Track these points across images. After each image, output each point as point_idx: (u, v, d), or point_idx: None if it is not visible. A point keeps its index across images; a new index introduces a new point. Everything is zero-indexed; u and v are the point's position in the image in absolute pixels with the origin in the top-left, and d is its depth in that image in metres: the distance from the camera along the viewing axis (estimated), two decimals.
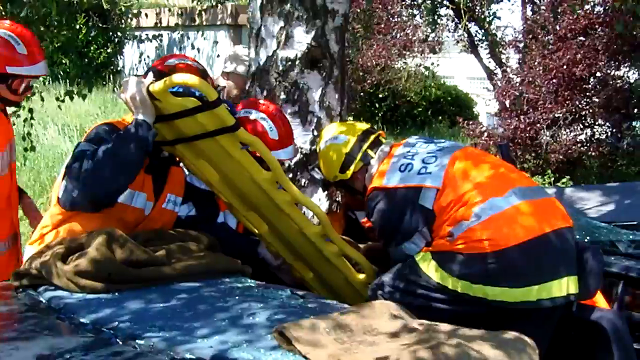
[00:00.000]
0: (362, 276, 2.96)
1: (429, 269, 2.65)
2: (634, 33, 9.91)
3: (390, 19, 14.03)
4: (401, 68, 15.18)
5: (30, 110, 6.11)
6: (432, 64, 15.17)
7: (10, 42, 3.30)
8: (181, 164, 2.95)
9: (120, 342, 1.90)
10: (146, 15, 10.83)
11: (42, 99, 6.48)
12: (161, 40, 10.87)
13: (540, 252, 2.56)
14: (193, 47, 8.72)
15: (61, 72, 13.02)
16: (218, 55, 12.94)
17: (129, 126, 2.55)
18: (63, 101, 6.54)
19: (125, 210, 2.66)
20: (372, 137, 3.03)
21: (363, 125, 3.12)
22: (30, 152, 6.50)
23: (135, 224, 2.67)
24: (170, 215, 2.86)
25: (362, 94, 14.85)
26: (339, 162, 3.01)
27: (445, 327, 2.07)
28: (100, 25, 12.87)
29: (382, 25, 14.09)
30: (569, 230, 2.67)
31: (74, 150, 2.64)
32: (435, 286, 2.63)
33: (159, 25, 11.87)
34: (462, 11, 11.07)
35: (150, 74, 2.75)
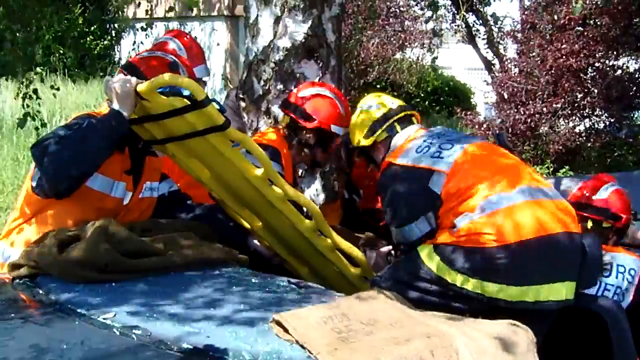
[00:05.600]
0: (356, 269, 2.95)
1: (430, 261, 2.63)
2: (635, 20, 9.91)
3: (390, 10, 13.97)
4: (401, 59, 15.13)
5: (35, 91, 6.10)
6: (436, 56, 15.12)
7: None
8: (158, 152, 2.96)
9: (118, 333, 1.89)
10: (139, 4, 10.79)
11: (55, 88, 6.46)
12: (149, 30, 10.84)
13: (544, 252, 2.53)
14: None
15: (57, 62, 12.97)
16: (218, 44, 12.92)
17: (103, 115, 2.56)
18: (58, 89, 6.53)
19: (104, 200, 2.64)
20: (404, 113, 3.04)
21: (400, 101, 3.15)
22: (42, 128, 6.48)
23: (114, 213, 2.64)
24: (149, 201, 2.86)
25: (361, 82, 14.81)
26: (364, 127, 3.04)
27: (442, 316, 2.07)
28: (98, 16, 12.83)
29: (382, 17, 14.04)
30: (577, 236, 2.62)
31: None
32: (434, 279, 2.61)
33: (155, 15, 11.81)
34: (460, 1, 11.03)
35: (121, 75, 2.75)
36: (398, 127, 3.00)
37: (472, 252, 2.55)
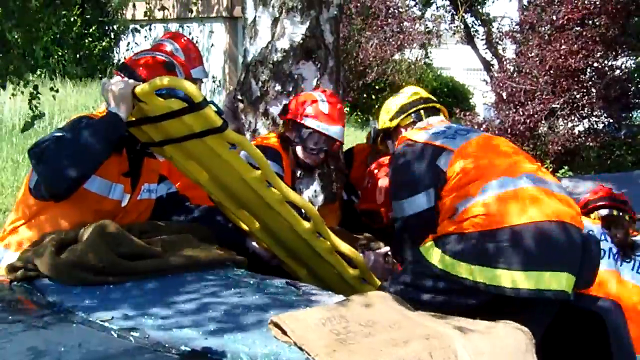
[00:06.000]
0: (355, 271, 2.95)
1: (433, 256, 2.63)
2: (635, 20, 9.92)
3: (388, 10, 13.99)
4: (399, 60, 15.16)
5: (35, 87, 6.13)
6: (427, 55, 15.15)
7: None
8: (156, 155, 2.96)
9: (115, 335, 1.89)
10: (134, 6, 10.81)
11: (54, 89, 6.49)
12: (148, 32, 10.92)
13: (545, 237, 2.52)
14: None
15: (56, 64, 12.98)
16: (212, 45, 12.94)
17: (100, 117, 2.56)
18: (57, 91, 6.53)
19: (102, 202, 2.64)
20: (432, 104, 3.19)
21: (431, 96, 3.31)
22: (40, 118, 6.49)
23: (112, 215, 2.64)
24: (147, 203, 2.86)
25: (360, 84, 14.85)
26: (392, 110, 3.20)
27: (440, 317, 2.06)
28: (96, 17, 12.84)
29: (381, 19, 14.07)
30: (579, 230, 2.62)
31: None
32: (439, 274, 2.60)
33: (154, 17, 11.85)
34: (459, 2, 11.07)
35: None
36: (424, 115, 3.12)
37: (473, 237, 2.55)
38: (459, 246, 2.57)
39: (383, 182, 3.54)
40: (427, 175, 2.74)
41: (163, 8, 10.20)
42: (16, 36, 5.29)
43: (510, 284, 2.49)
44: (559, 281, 2.51)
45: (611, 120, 11.01)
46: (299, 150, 3.41)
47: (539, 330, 2.41)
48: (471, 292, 2.56)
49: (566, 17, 10.26)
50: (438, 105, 3.22)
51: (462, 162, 2.69)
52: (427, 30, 12.82)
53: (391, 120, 3.20)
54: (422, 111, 3.13)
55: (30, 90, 6.09)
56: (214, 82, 12.34)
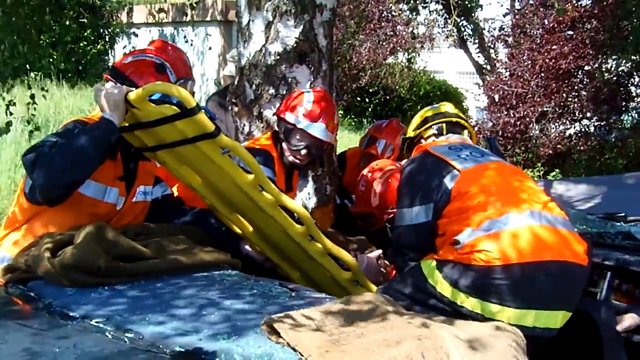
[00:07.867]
0: (347, 273, 2.96)
1: (433, 277, 2.61)
2: (624, 23, 9.97)
3: (382, 14, 14.02)
4: (393, 64, 15.18)
5: (32, 96, 6.11)
6: (411, 57, 15.14)
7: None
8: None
9: (110, 336, 1.91)
10: (129, 10, 10.81)
11: (31, 96, 6.46)
12: (148, 33, 10.96)
13: (546, 277, 2.48)
14: (186, 41, 8.80)
15: (52, 67, 12.93)
16: (210, 48, 12.97)
17: (94, 123, 2.56)
18: (32, 97, 6.48)
19: (97, 205, 2.65)
20: (457, 119, 3.18)
21: (460, 113, 3.31)
22: (35, 131, 6.48)
23: (107, 218, 2.66)
24: (143, 205, 2.87)
25: (354, 87, 14.87)
26: (418, 120, 3.22)
27: (432, 318, 2.08)
28: (92, 21, 12.80)
29: (375, 22, 14.10)
30: (581, 268, 2.57)
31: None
32: (436, 295, 2.58)
33: (151, 21, 11.86)
34: (452, 6, 11.08)
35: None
36: (445, 130, 3.11)
37: (474, 271, 2.51)
38: (460, 276, 2.53)
39: (378, 185, 3.55)
40: (432, 189, 2.73)
41: (156, 13, 10.23)
42: (6, 43, 5.27)
43: (507, 319, 2.44)
44: (555, 320, 2.50)
45: (602, 124, 11.06)
46: (284, 146, 3.41)
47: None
48: (466, 318, 2.53)
49: (556, 20, 10.32)
50: (464, 123, 3.20)
51: (467, 185, 2.66)
52: (416, 35, 12.84)
53: (414, 130, 3.22)
54: (444, 125, 3.13)
55: (12, 100, 6.07)
56: (202, 85, 12.33)
